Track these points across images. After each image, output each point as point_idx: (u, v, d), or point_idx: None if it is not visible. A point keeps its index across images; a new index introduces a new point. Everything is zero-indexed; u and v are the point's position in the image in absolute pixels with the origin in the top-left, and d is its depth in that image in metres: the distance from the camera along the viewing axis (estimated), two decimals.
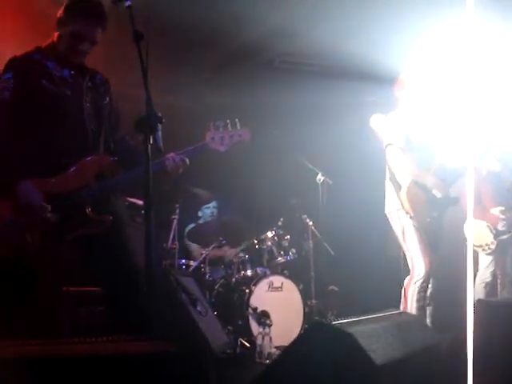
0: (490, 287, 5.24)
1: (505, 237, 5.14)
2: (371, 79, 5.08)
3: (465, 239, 5.11)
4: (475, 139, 3.86)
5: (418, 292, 4.19)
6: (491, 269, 5.25)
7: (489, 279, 5.24)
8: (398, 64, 4.68)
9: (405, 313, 3.89)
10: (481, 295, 5.19)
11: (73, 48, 2.97)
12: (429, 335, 3.17)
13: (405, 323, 3.03)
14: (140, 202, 4.32)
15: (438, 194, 4.30)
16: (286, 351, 2.63)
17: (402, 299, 4.26)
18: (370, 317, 2.82)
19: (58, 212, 2.82)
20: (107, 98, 3.16)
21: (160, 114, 2.45)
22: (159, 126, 2.45)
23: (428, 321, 4.26)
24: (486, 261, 5.26)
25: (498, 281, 5.24)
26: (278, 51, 5.74)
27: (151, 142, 2.42)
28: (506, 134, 4.93)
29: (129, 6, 2.62)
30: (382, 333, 2.57)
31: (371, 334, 2.47)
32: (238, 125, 3.18)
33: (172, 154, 3.04)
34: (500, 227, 5.16)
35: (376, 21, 5.05)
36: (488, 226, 5.18)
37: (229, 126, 3.17)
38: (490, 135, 4.60)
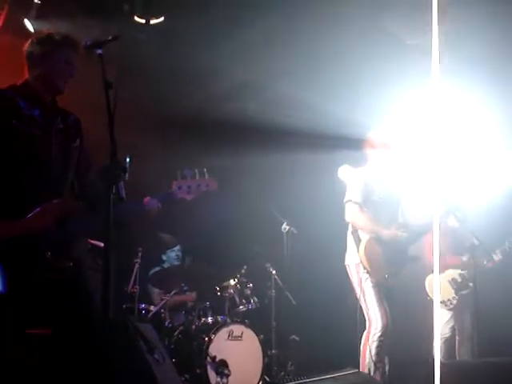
0: (449, 343, 5.26)
1: (465, 292, 5.21)
2: (342, 136, 5.20)
3: (424, 295, 5.17)
4: (440, 199, 3.98)
5: (376, 347, 4.20)
6: (451, 324, 5.29)
7: (448, 334, 5.26)
8: (368, 123, 4.82)
9: (358, 373, 3.87)
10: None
11: (70, 75, 3.02)
12: None
13: None
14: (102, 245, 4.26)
15: (396, 244, 4.36)
16: None
17: (361, 357, 4.25)
18: (323, 378, 2.81)
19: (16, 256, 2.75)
20: (77, 140, 3.12)
21: (125, 165, 2.46)
22: (123, 175, 2.46)
23: (385, 378, 4.25)
24: (445, 316, 5.29)
25: (457, 337, 5.28)
26: (248, 103, 5.84)
27: (113, 191, 2.43)
28: (467, 195, 5.09)
29: (100, 55, 2.66)
30: None
31: None
32: (205, 174, 3.16)
33: (148, 198, 3.04)
34: (459, 282, 5.23)
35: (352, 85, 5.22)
36: (449, 281, 5.25)
37: (197, 175, 3.15)
38: (452, 196, 4.72)
